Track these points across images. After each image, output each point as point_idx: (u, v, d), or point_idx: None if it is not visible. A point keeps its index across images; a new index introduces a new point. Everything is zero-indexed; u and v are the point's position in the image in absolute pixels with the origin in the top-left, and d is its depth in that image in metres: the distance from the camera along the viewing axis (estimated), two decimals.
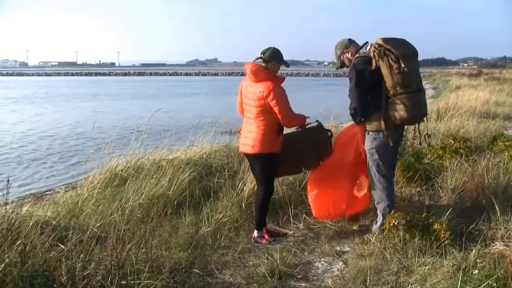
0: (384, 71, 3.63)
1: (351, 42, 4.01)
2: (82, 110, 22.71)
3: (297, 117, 4.06)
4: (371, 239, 3.78)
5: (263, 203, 4.07)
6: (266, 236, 4.01)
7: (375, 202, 3.99)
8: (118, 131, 6.72)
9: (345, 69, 4.11)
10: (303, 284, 3.26)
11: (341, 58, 4.04)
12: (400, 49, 3.62)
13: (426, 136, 4.14)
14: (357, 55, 3.86)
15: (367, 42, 3.92)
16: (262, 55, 3.93)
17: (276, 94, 3.80)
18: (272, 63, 3.91)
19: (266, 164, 3.98)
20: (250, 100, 3.92)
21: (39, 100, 30.35)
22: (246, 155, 4.12)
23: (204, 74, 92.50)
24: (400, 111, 3.66)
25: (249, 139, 3.95)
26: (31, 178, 8.57)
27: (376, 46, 3.68)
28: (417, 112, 3.78)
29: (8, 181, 3.61)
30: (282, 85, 3.96)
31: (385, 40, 3.68)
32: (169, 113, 18.93)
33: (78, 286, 2.59)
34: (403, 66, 3.57)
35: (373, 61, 3.69)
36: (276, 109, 3.81)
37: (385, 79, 3.65)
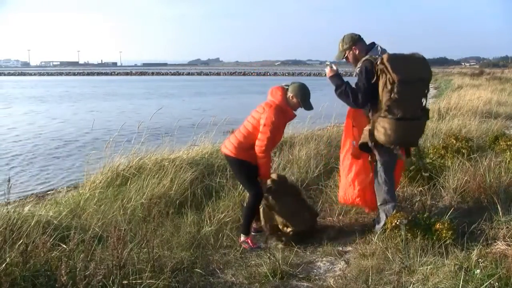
0: (380, 87, 3.57)
1: (360, 39, 3.85)
2: (111, 110, 22.29)
3: (267, 157, 3.84)
4: (373, 238, 3.78)
5: (246, 208, 4.00)
6: (250, 243, 3.92)
7: (378, 203, 3.94)
8: (118, 131, 6.68)
9: (347, 69, 4.06)
10: (305, 284, 3.26)
11: (346, 52, 3.88)
12: (400, 73, 3.45)
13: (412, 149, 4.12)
14: (367, 57, 3.74)
15: (373, 43, 3.85)
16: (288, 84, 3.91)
17: (268, 118, 3.72)
18: (292, 95, 3.82)
19: (235, 168, 3.99)
20: (254, 110, 3.91)
21: (63, 100, 29.39)
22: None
23: (206, 74, 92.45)
24: (380, 135, 3.62)
25: (229, 140, 3.97)
26: (33, 178, 8.55)
27: (380, 61, 3.55)
28: (399, 140, 3.61)
29: (9, 180, 3.60)
30: (288, 120, 3.91)
31: (390, 58, 3.51)
32: (207, 111, 18.79)
33: (79, 285, 2.59)
34: (394, 92, 3.47)
35: (376, 73, 3.60)
36: (260, 129, 3.76)
37: (379, 94, 3.59)
